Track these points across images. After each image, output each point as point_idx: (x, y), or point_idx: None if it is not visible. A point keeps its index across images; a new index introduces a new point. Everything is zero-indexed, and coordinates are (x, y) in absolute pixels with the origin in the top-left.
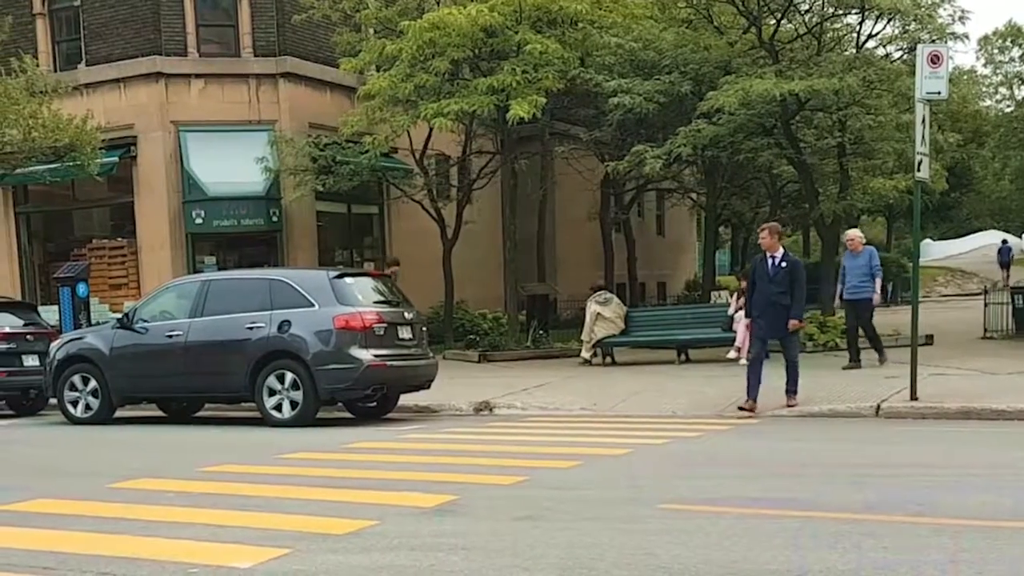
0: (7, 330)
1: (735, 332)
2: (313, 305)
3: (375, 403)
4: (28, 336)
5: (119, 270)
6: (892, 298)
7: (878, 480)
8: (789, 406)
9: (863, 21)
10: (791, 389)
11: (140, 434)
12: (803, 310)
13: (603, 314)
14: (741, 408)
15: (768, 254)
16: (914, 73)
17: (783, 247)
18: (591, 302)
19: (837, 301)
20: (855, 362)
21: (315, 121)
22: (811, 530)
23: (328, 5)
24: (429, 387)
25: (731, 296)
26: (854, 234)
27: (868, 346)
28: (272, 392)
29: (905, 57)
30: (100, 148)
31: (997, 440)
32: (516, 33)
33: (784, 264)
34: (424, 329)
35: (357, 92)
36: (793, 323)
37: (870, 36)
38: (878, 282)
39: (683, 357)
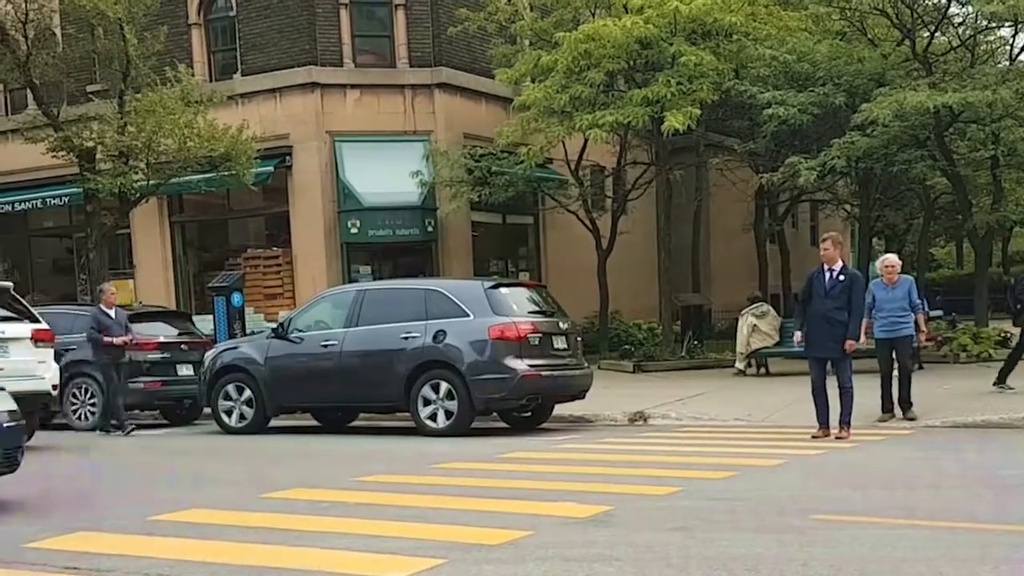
0: (162, 339)
1: None
2: (468, 315)
3: (530, 413)
4: (183, 346)
5: (274, 280)
6: None
7: None
8: (839, 438)
9: (1016, 34)
10: (844, 420)
11: (294, 444)
12: (860, 328)
13: (759, 326)
14: (815, 436)
15: (826, 266)
16: None
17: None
18: (747, 313)
19: (863, 338)
20: (888, 412)
21: (470, 132)
22: (964, 541)
23: (483, 17)
24: (584, 397)
25: None
26: (891, 261)
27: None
28: (427, 402)
29: None
30: (255, 158)
31: None
32: (671, 45)
33: (842, 277)
34: (579, 339)
35: (512, 103)
36: (850, 343)
37: (1023, 49)
38: (922, 319)
39: None
